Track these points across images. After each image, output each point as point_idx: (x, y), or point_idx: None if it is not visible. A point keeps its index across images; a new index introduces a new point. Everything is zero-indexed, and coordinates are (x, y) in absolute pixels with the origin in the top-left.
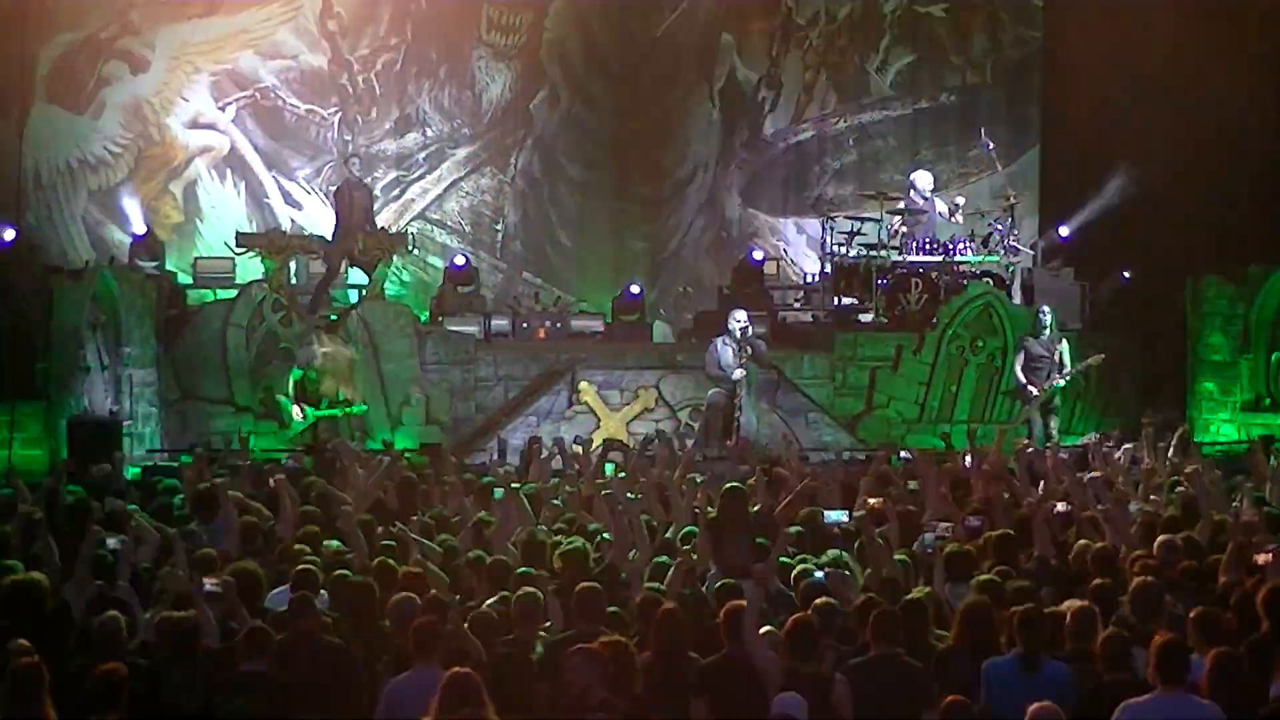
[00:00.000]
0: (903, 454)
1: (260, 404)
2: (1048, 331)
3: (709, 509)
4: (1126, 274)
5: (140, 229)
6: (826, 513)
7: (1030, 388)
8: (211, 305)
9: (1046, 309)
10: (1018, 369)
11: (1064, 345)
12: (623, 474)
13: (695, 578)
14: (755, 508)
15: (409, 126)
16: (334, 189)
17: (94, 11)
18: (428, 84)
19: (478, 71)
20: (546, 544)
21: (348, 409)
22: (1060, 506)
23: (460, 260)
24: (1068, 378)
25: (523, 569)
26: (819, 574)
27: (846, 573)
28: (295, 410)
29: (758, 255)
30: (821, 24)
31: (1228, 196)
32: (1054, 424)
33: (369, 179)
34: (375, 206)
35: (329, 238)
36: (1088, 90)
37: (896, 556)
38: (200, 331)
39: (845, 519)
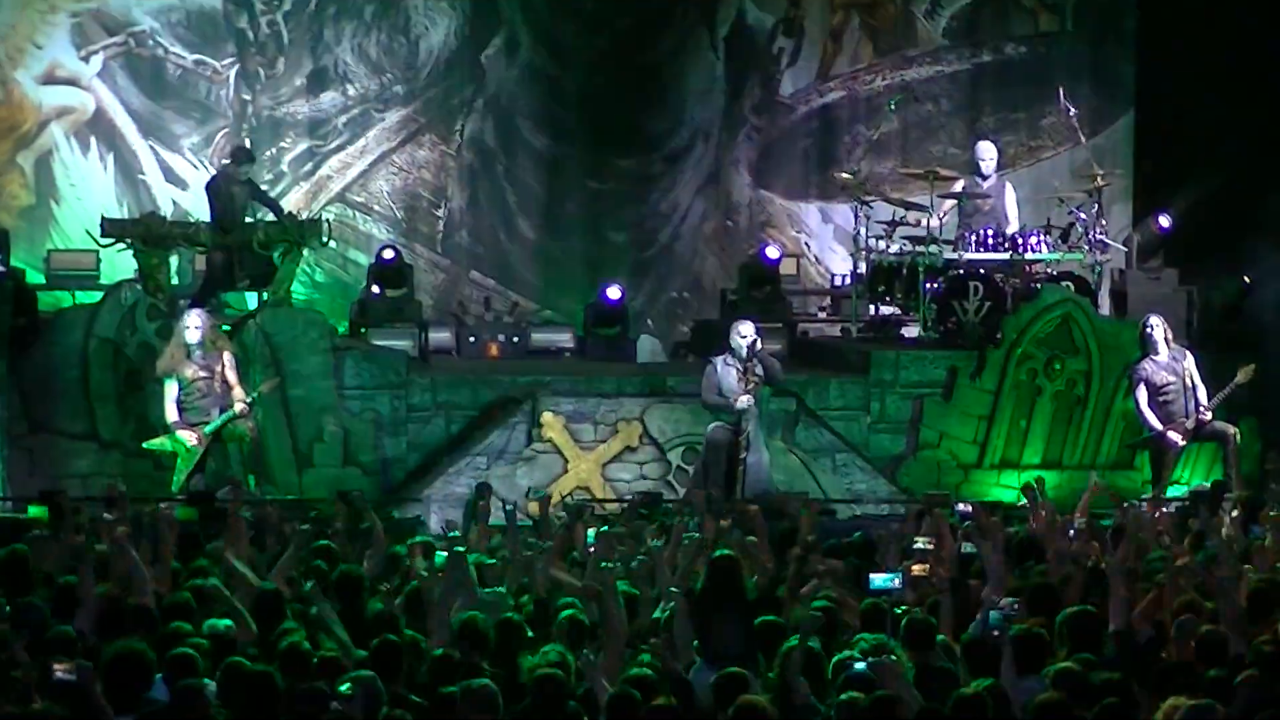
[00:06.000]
0: (959, 508)
1: (133, 440)
2: (1161, 350)
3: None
4: (1248, 278)
5: None
6: (872, 577)
7: (1171, 434)
8: (70, 312)
9: (1155, 322)
10: (1145, 409)
11: (1189, 360)
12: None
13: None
14: (754, 579)
15: (325, 83)
16: (207, 182)
17: None
18: (350, 28)
19: (414, 12)
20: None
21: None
22: None
23: (389, 254)
24: (1215, 408)
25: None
26: (860, 664)
27: (893, 657)
28: (187, 435)
29: (772, 252)
30: None
31: None
32: None
33: (273, 150)
34: (283, 186)
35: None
36: (1196, 40)
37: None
38: (55, 346)
39: (897, 584)
